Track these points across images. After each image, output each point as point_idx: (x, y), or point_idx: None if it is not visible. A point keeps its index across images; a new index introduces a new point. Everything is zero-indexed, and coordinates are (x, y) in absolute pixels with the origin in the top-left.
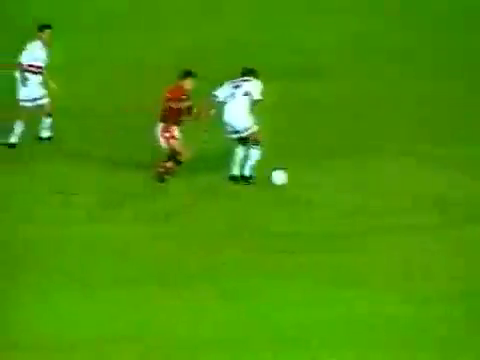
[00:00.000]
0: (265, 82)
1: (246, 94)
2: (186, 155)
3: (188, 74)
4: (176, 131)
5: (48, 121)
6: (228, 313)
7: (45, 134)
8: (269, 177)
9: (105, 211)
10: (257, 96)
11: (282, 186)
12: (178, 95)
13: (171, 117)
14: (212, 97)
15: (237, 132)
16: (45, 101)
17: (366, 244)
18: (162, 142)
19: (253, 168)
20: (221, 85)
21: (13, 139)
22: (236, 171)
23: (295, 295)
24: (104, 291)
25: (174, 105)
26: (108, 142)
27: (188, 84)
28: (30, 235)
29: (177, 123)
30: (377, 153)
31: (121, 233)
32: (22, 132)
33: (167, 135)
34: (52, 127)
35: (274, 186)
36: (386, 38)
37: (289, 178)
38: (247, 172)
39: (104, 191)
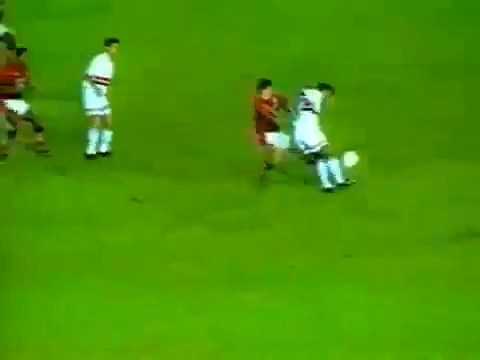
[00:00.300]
0: None
1: (307, 108)
2: (277, 160)
3: (266, 83)
4: (270, 138)
5: (109, 134)
6: (296, 316)
7: (104, 149)
8: (340, 159)
9: (182, 218)
10: (315, 108)
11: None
12: (261, 104)
13: (261, 125)
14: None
15: (309, 148)
16: (107, 112)
17: (430, 250)
18: (260, 149)
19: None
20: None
21: (91, 150)
22: (328, 184)
23: (362, 298)
24: (176, 293)
25: (263, 111)
26: (182, 153)
27: (267, 94)
28: (114, 241)
29: (269, 130)
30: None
31: (194, 239)
32: (97, 143)
33: (260, 142)
34: (111, 142)
35: (345, 193)
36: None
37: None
38: (340, 179)
39: (179, 200)
